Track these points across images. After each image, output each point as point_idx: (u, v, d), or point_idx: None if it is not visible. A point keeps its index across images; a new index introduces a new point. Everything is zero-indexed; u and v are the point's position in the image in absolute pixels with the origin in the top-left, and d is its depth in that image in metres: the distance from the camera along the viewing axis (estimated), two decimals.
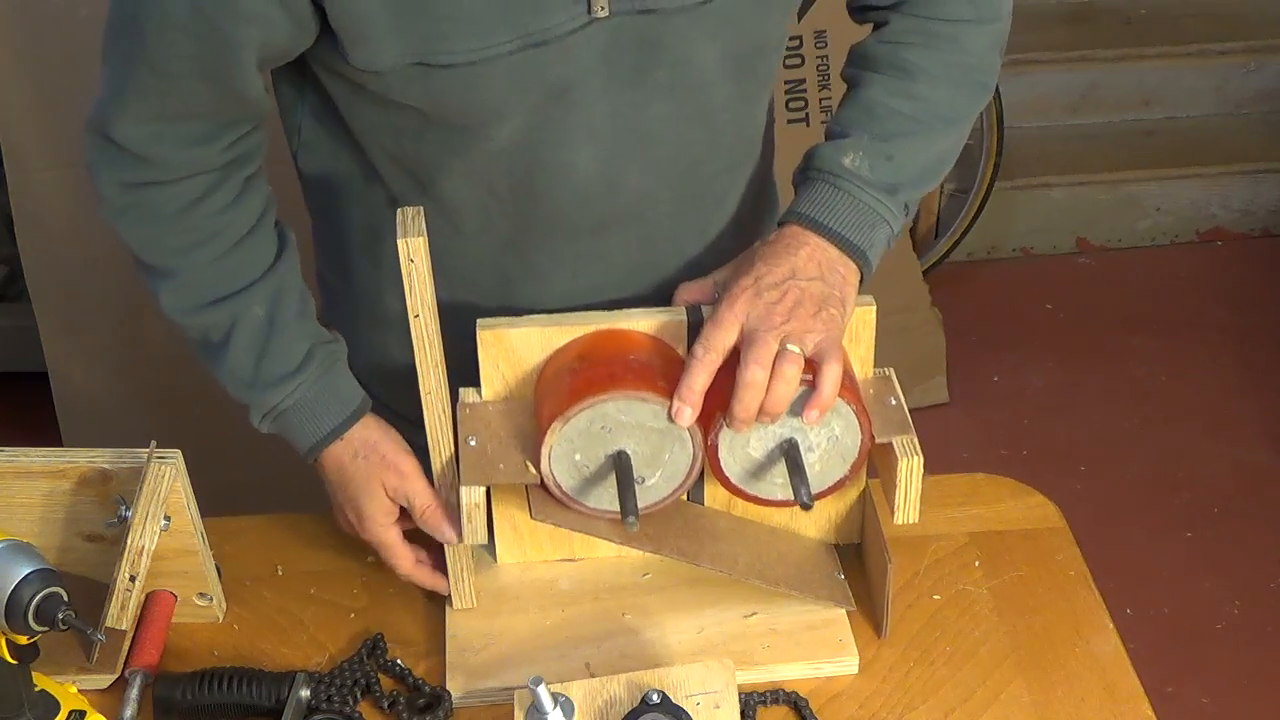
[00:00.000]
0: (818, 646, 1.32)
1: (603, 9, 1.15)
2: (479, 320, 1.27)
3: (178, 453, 1.30)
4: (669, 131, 1.25)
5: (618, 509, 1.23)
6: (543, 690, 1.12)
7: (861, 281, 1.27)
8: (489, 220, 1.29)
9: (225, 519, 1.44)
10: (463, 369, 1.29)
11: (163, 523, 1.28)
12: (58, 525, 1.34)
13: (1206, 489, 2.99)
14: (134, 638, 1.31)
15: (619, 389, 1.21)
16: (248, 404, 1.32)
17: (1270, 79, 3.75)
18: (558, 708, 1.13)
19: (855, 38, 1.37)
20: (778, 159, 1.48)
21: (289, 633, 1.36)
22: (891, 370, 1.33)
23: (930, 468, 1.26)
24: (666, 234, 1.33)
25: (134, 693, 1.27)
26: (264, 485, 1.86)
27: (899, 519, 1.27)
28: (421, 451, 1.31)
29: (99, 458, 1.31)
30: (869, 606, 1.36)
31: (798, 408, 1.20)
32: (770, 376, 1.17)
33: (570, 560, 1.40)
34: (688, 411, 1.20)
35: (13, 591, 1.14)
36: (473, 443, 1.27)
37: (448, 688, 1.28)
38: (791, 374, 1.17)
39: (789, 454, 1.24)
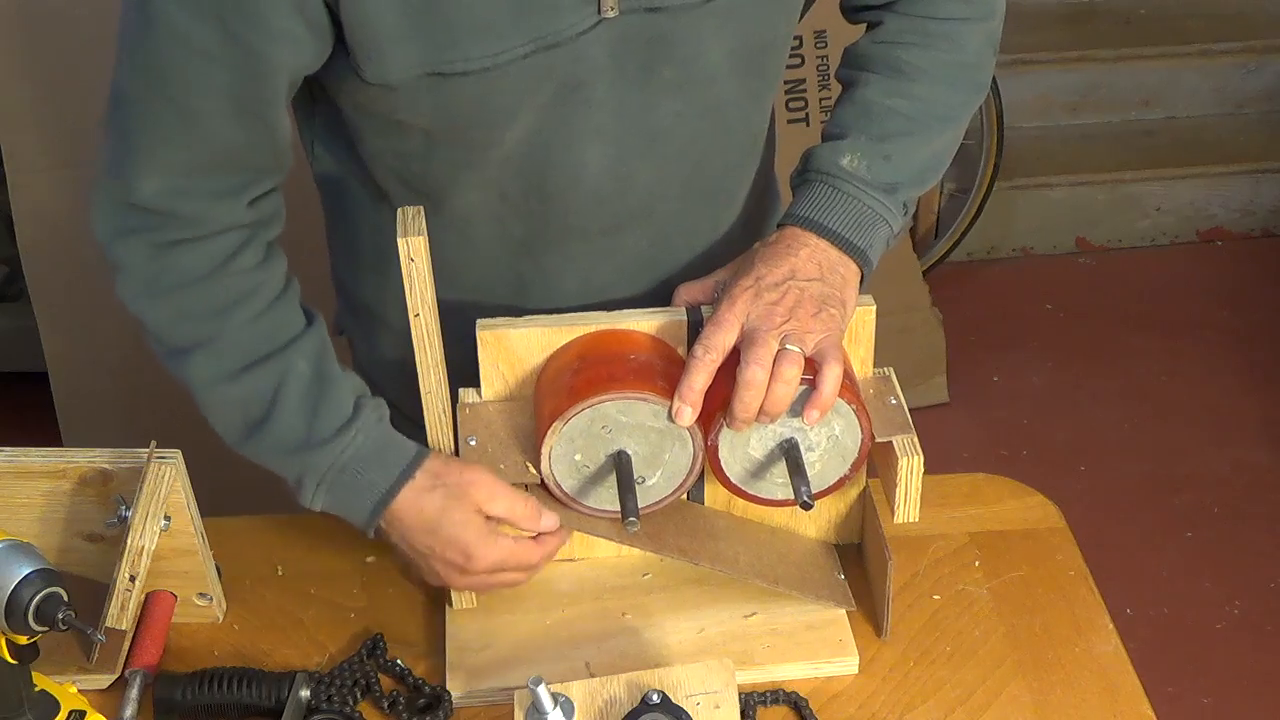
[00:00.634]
0: (818, 646, 1.32)
1: (612, 9, 1.15)
2: (479, 320, 1.27)
3: (178, 453, 1.30)
4: (678, 129, 1.25)
5: (618, 509, 1.23)
6: (543, 690, 1.12)
7: (862, 281, 1.27)
8: (501, 227, 1.29)
9: (225, 519, 1.44)
10: (471, 374, 1.30)
11: (163, 523, 1.28)
12: (58, 525, 1.34)
13: (1206, 489, 2.99)
14: (134, 638, 1.31)
15: (619, 389, 1.21)
16: (299, 474, 1.25)
17: (1270, 79, 3.76)
18: (558, 708, 1.13)
19: (855, 38, 1.37)
20: (778, 159, 1.48)
21: (289, 633, 1.36)
22: (891, 370, 1.33)
23: (930, 468, 1.26)
24: (677, 231, 1.33)
25: (134, 693, 1.27)
26: (264, 485, 1.86)
27: (899, 518, 1.27)
28: None
29: (99, 458, 1.31)
30: (869, 606, 1.36)
31: (798, 408, 1.20)
32: (770, 376, 1.17)
33: (570, 560, 1.40)
34: (688, 411, 1.20)
35: (13, 591, 1.14)
36: (473, 442, 1.27)
37: (448, 688, 1.28)
38: (791, 374, 1.17)
39: (789, 454, 1.24)
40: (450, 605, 1.35)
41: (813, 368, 1.19)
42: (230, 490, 1.65)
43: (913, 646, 1.33)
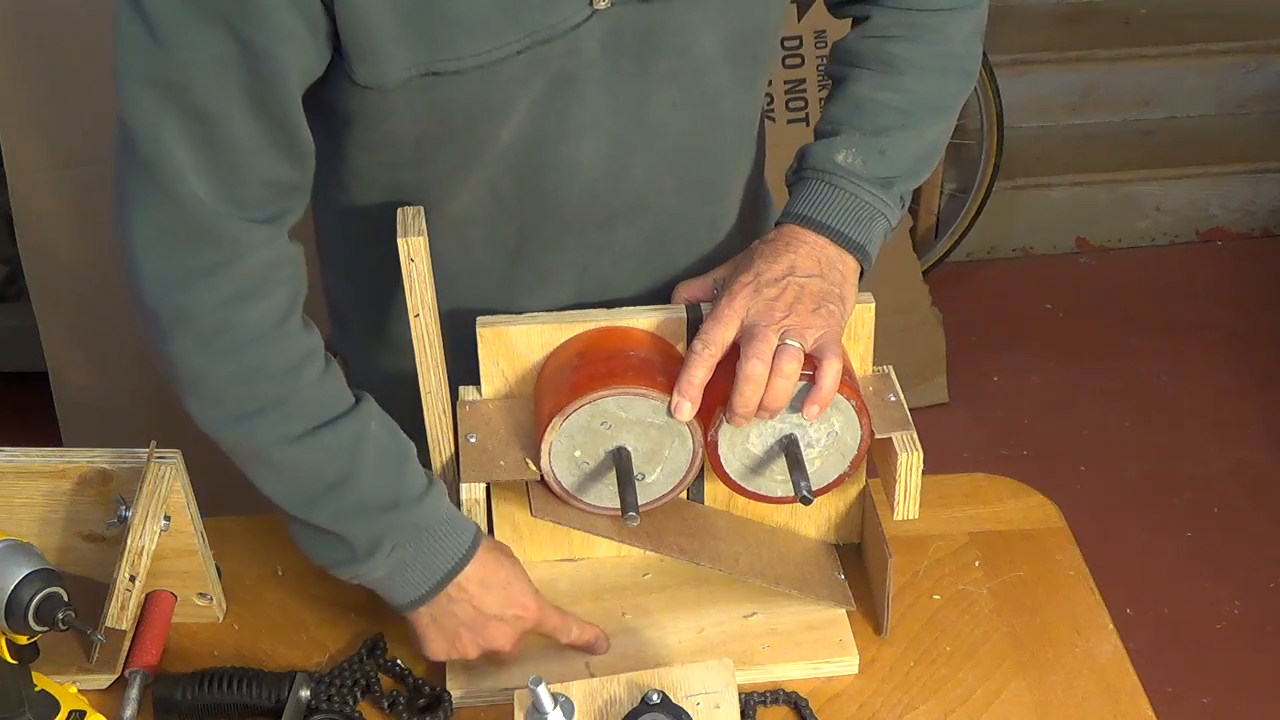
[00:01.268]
0: (818, 646, 1.32)
1: (604, 0, 1.15)
2: (479, 318, 1.27)
3: (178, 453, 1.30)
4: (672, 120, 1.25)
5: (618, 506, 1.23)
6: (543, 690, 1.12)
7: (862, 276, 1.27)
8: (496, 229, 1.29)
9: (225, 519, 1.44)
10: (468, 381, 1.30)
11: (163, 523, 1.28)
12: (58, 525, 1.34)
13: (1206, 489, 2.99)
14: (134, 638, 1.31)
15: (619, 384, 1.21)
16: (378, 534, 1.22)
17: (1270, 79, 3.76)
18: (558, 708, 1.13)
19: None
20: (776, 158, 1.48)
21: (289, 633, 1.36)
22: (890, 367, 1.33)
23: (930, 468, 1.26)
24: (672, 226, 1.33)
25: (134, 693, 1.27)
26: None
27: (899, 514, 1.27)
28: (422, 452, 1.30)
29: (99, 458, 1.31)
30: (869, 606, 1.36)
31: (797, 403, 1.20)
32: (770, 371, 1.17)
33: (570, 560, 1.40)
34: (687, 406, 1.20)
35: (13, 591, 1.14)
36: (473, 440, 1.27)
37: (448, 688, 1.28)
38: (791, 369, 1.18)
39: (789, 449, 1.24)
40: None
41: (812, 363, 1.19)
42: (230, 490, 1.65)
43: (913, 646, 1.33)
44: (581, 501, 1.28)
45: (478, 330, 1.27)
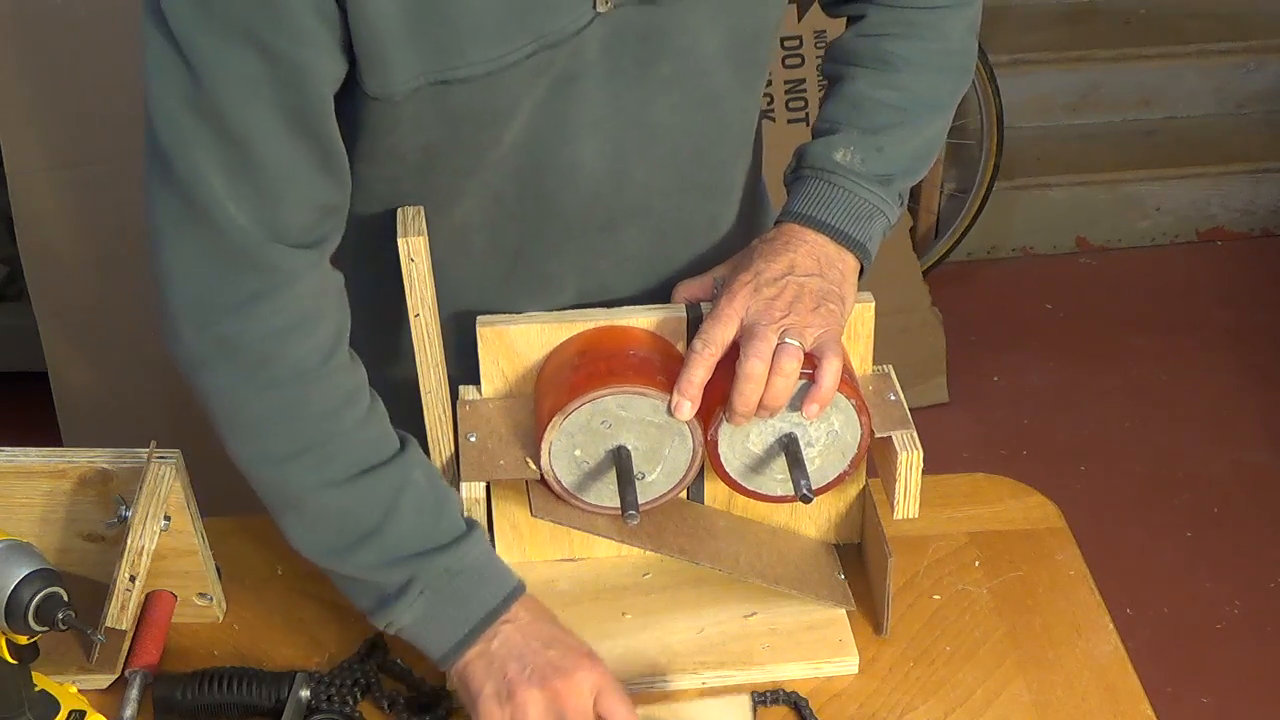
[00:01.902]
0: (818, 646, 1.32)
1: (605, 3, 1.15)
2: (479, 318, 1.27)
3: (178, 453, 1.30)
4: (673, 122, 1.25)
5: (618, 505, 1.23)
6: None
7: (862, 273, 1.28)
8: (497, 234, 1.28)
9: (225, 519, 1.44)
10: (468, 382, 1.30)
11: (163, 523, 1.28)
12: (58, 525, 1.34)
13: (1206, 489, 2.99)
14: (134, 638, 1.31)
15: (619, 383, 1.21)
16: (405, 579, 1.19)
17: (1270, 79, 3.76)
18: None
19: None
20: (776, 158, 1.48)
21: (289, 633, 1.36)
22: (890, 367, 1.33)
23: (930, 468, 1.26)
24: (674, 227, 1.33)
25: (134, 693, 1.27)
26: None
27: (899, 513, 1.27)
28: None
29: (99, 458, 1.31)
30: (869, 606, 1.36)
31: (797, 402, 1.20)
32: (770, 370, 1.18)
33: (570, 560, 1.40)
34: (687, 405, 1.20)
35: (13, 591, 1.14)
36: (473, 439, 1.27)
37: (448, 688, 1.28)
38: (791, 367, 1.18)
39: (788, 448, 1.24)
40: None
41: (812, 362, 1.19)
42: (230, 490, 1.65)
43: (913, 646, 1.33)
44: (581, 501, 1.28)
45: (478, 330, 1.27)
